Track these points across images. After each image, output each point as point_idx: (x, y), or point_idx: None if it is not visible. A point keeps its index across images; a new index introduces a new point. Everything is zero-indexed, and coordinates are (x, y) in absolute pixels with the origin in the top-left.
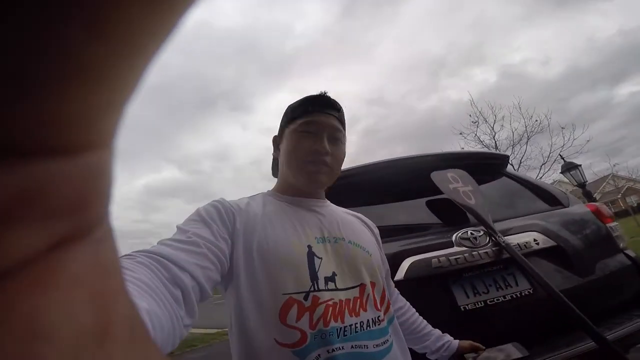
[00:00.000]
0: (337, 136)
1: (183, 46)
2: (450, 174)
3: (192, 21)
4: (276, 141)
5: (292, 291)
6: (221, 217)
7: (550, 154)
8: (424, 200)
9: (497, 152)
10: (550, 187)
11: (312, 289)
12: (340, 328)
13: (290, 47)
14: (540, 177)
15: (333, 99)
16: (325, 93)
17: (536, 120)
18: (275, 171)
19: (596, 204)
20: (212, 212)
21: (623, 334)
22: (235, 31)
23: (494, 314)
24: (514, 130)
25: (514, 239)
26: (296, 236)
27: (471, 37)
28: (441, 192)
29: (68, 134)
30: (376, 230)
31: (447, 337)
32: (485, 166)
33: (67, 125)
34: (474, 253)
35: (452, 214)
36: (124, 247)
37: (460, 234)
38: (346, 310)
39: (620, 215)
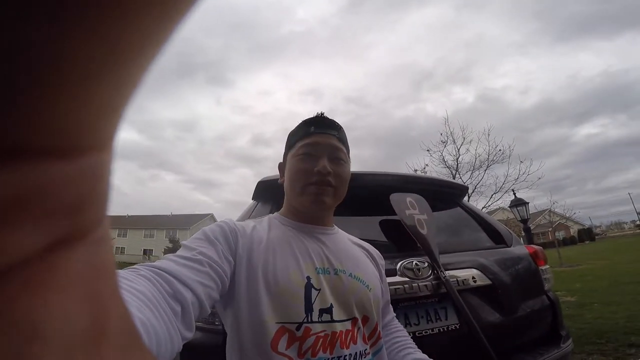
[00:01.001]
0: (338, 155)
1: None
2: (409, 198)
3: None
4: (281, 168)
5: (286, 321)
6: (226, 238)
7: (504, 185)
8: (377, 219)
9: (458, 181)
10: (498, 225)
11: (305, 320)
12: (328, 358)
13: (287, 30)
14: (489, 205)
15: (331, 119)
16: (322, 114)
17: (500, 150)
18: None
19: (534, 246)
20: (218, 232)
21: None
22: (237, 4)
23: (419, 345)
24: (477, 156)
25: (455, 274)
26: (297, 266)
27: (463, 56)
28: (395, 214)
29: (67, 136)
30: (381, 262)
31: None
32: (444, 194)
33: (66, 127)
34: (414, 284)
35: (402, 239)
36: None
37: (405, 263)
38: (338, 342)
39: (548, 246)
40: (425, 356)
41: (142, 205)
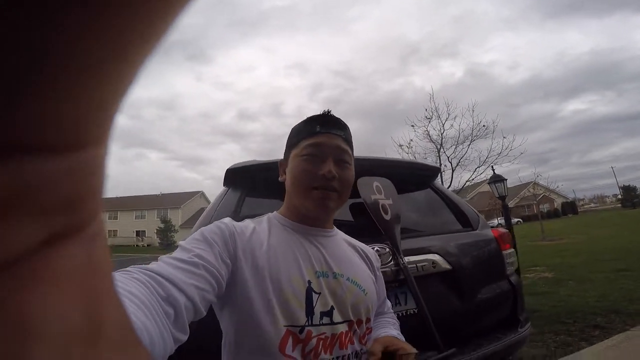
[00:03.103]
0: (344, 158)
1: None
2: (377, 182)
3: None
4: (282, 165)
5: (290, 324)
6: (224, 240)
7: (487, 158)
8: (347, 202)
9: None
10: (466, 208)
11: (306, 323)
12: (330, 359)
13: (269, 5)
14: (473, 178)
15: (337, 118)
16: (329, 112)
17: (483, 126)
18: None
19: (499, 229)
20: (216, 233)
21: (483, 354)
22: None
23: None
24: (461, 131)
25: (415, 259)
26: (298, 271)
27: (451, 31)
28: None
29: (62, 132)
30: (377, 264)
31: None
32: (415, 176)
33: (60, 123)
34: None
35: (367, 224)
36: None
37: None
38: (337, 344)
39: (532, 219)
40: (395, 332)
41: (130, 186)
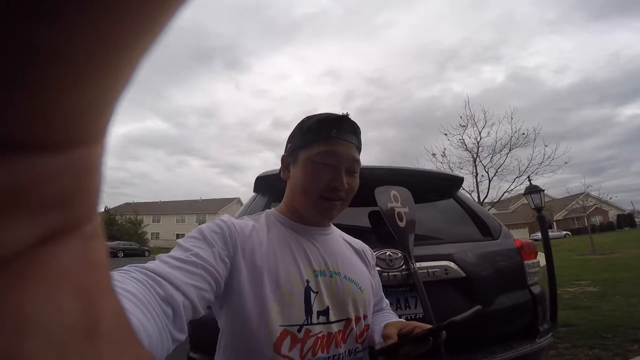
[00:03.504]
0: (354, 169)
1: None
2: (394, 191)
3: None
4: (286, 162)
5: (287, 324)
6: (223, 238)
7: (528, 168)
8: (367, 210)
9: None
10: (487, 218)
11: (305, 322)
12: (327, 357)
13: (299, 12)
14: (512, 189)
15: (353, 122)
16: (347, 115)
17: (522, 134)
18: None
19: (522, 240)
20: (215, 232)
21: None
22: None
23: None
24: (497, 140)
25: (427, 265)
26: (296, 270)
27: (491, 35)
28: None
29: (58, 130)
30: (373, 261)
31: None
32: (438, 186)
33: (57, 121)
34: (383, 274)
35: (383, 231)
36: None
37: (379, 254)
38: (333, 342)
39: (583, 232)
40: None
41: (172, 191)
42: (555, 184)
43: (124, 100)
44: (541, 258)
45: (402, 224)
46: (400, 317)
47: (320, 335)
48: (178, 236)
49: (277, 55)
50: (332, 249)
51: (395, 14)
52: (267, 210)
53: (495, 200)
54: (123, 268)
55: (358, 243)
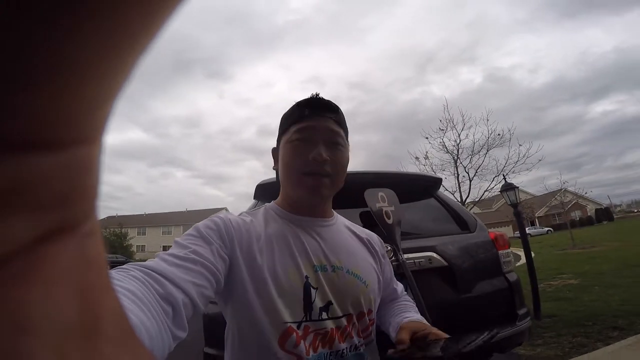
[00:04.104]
0: (336, 140)
1: None
2: (381, 193)
3: None
4: (275, 154)
5: (290, 320)
6: (220, 234)
7: (505, 167)
8: (358, 211)
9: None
10: (464, 214)
11: (304, 319)
12: (328, 353)
13: (282, 20)
14: (492, 187)
15: (328, 100)
16: (317, 95)
17: (498, 134)
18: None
19: (496, 232)
20: (212, 229)
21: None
22: None
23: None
24: (475, 141)
25: (413, 257)
26: (295, 266)
27: (467, 36)
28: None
29: (56, 129)
30: (382, 250)
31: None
32: (419, 187)
33: (54, 120)
34: None
35: (375, 228)
36: None
37: None
38: (336, 338)
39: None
40: (417, 316)
41: (157, 203)
42: (535, 181)
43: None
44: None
45: (389, 221)
46: None
47: (321, 331)
48: (164, 248)
49: (261, 64)
50: (334, 242)
51: (377, 18)
52: (265, 204)
53: (477, 200)
54: (122, 267)
55: (364, 232)
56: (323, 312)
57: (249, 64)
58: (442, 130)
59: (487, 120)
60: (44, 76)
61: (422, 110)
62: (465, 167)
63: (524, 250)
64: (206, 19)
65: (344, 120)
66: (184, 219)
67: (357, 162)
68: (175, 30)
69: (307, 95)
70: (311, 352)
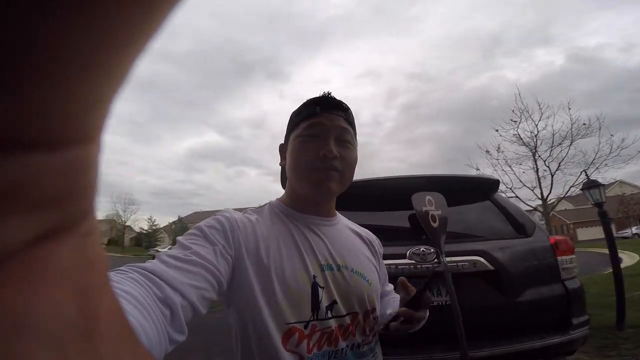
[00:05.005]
0: (345, 138)
1: (214, 11)
2: (429, 197)
3: None
4: (283, 150)
5: (295, 320)
6: (224, 234)
7: (595, 160)
8: (407, 213)
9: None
10: (522, 217)
11: (312, 318)
12: (332, 351)
13: (325, 16)
14: (578, 183)
15: (339, 99)
16: (329, 94)
17: (584, 124)
18: (284, 182)
19: (558, 238)
20: (216, 228)
21: (520, 349)
22: (267, 2)
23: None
24: (554, 132)
25: (457, 260)
26: (303, 266)
27: (533, 17)
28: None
29: (54, 128)
30: (380, 249)
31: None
32: (475, 190)
33: (53, 119)
34: (418, 266)
35: (420, 231)
36: (165, 206)
37: (414, 250)
38: (339, 336)
39: None
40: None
41: (234, 200)
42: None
43: (184, 117)
44: (631, 258)
45: (435, 225)
46: (433, 302)
47: (327, 329)
48: None
49: (314, 62)
50: (339, 241)
51: (424, 5)
52: (270, 201)
53: (562, 196)
54: (120, 268)
55: (365, 232)
56: (328, 311)
57: (302, 62)
58: (515, 121)
59: (569, 108)
60: (41, 75)
61: (494, 97)
62: (545, 161)
63: (610, 253)
64: (250, 22)
65: (354, 120)
66: None
67: (424, 155)
68: (226, 36)
69: (364, 90)
70: (314, 351)
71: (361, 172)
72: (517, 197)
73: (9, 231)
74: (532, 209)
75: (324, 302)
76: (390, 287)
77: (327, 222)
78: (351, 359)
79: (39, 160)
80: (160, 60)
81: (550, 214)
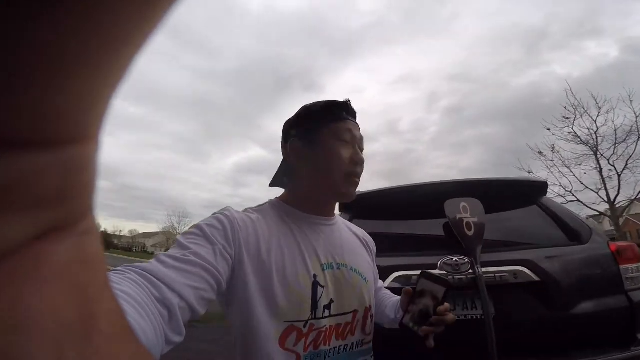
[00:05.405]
0: (362, 146)
1: (253, 30)
2: (464, 203)
3: (257, 6)
4: (297, 147)
5: (294, 319)
6: (225, 233)
7: None
8: (441, 221)
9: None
10: (575, 223)
11: (310, 317)
12: (329, 350)
13: (357, 25)
14: None
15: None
16: (349, 101)
17: None
18: (279, 180)
19: (622, 244)
20: (216, 228)
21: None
22: (300, 13)
23: (449, 326)
24: (616, 128)
25: (494, 270)
26: (304, 266)
27: (578, 7)
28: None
29: (50, 128)
30: (373, 248)
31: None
32: (519, 194)
33: (49, 119)
34: (449, 277)
35: (454, 239)
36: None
37: (445, 260)
38: (334, 335)
39: None
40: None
41: None
42: None
43: (231, 133)
44: None
45: (469, 233)
46: (464, 317)
47: (324, 328)
48: None
49: (348, 71)
50: (338, 240)
51: (455, 5)
52: (270, 200)
53: (633, 197)
54: (118, 269)
55: (362, 232)
56: (326, 310)
57: (336, 73)
58: (568, 118)
59: (631, 101)
60: (37, 73)
61: (545, 94)
62: (609, 160)
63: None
64: (286, 36)
65: None
66: None
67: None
68: (266, 52)
69: (403, 95)
70: (310, 349)
71: (407, 182)
72: (578, 200)
73: (6, 230)
74: (598, 213)
75: (323, 301)
76: (381, 283)
77: (328, 221)
78: (352, 357)
79: (35, 160)
80: (209, 80)
81: (622, 218)
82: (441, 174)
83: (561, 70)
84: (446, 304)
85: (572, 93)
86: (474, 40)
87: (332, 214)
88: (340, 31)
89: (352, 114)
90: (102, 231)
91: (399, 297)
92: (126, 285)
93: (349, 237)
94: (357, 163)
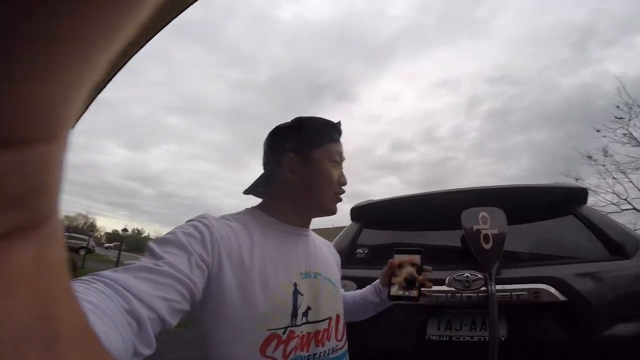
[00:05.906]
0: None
1: (286, 41)
2: (483, 213)
3: (290, 18)
4: (292, 162)
5: (275, 327)
6: (204, 244)
7: None
8: (458, 233)
9: (573, 184)
10: (621, 235)
11: (290, 324)
12: (306, 356)
13: (389, 30)
14: None
15: None
16: (340, 123)
17: None
18: (254, 189)
19: None
20: (195, 237)
21: None
22: (331, 23)
23: (452, 348)
24: None
25: (511, 288)
26: (285, 274)
27: (620, 2)
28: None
29: (15, 126)
30: (339, 259)
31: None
32: (552, 203)
33: (11, 117)
34: (457, 295)
35: (469, 252)
36: None
37: (455, 276)
38: (313, 341)
39: None
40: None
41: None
42: None
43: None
44: None
45: (487, 246)
46: (471, 337)
47: (301, 335)
48: None
49: (382, 78)
50: (314, 251)
51: (490, 4)
52: (248, 208)
53: None
54: (82, 278)
55: (328, 243)
56: (304, 317)
57: (370, 81)
58: (619, 118)
59: None
60: (2, 73)
61: (600, 95)
62: None
63: None
64: (318, 45)
65: None
66: (332, 235)
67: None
68: (299, 61)
69: (441, 100)
70: (290, 356)
71: None
72: (635, 209)
73: None
74: None
75: (302, 309)
76: (342, 291)
77: (305, 232)
78: None
79: (0, 158)
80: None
81: None
82: (482, 183)
83: (615, 69)
84: (426, 267)
85: (625, 90)
86: (513, 40)
87: (308, 226)
88: (371, 38)
89: (341, 135)
90: (145, 235)
91: (362, 289)
92: (92, 295)
93: (322, 248)
94: (342, 184)
